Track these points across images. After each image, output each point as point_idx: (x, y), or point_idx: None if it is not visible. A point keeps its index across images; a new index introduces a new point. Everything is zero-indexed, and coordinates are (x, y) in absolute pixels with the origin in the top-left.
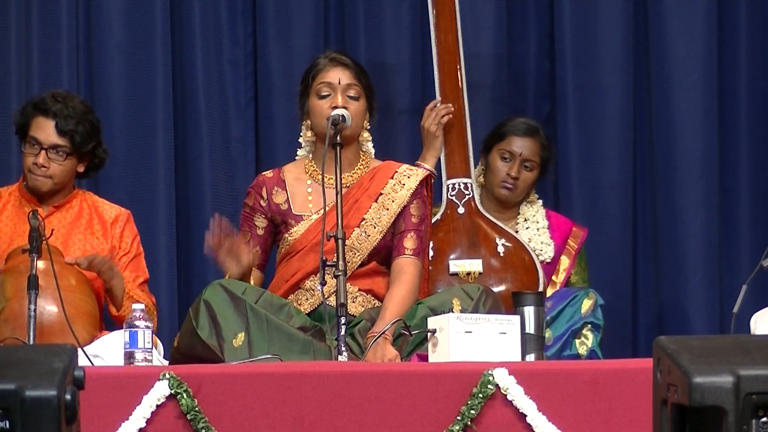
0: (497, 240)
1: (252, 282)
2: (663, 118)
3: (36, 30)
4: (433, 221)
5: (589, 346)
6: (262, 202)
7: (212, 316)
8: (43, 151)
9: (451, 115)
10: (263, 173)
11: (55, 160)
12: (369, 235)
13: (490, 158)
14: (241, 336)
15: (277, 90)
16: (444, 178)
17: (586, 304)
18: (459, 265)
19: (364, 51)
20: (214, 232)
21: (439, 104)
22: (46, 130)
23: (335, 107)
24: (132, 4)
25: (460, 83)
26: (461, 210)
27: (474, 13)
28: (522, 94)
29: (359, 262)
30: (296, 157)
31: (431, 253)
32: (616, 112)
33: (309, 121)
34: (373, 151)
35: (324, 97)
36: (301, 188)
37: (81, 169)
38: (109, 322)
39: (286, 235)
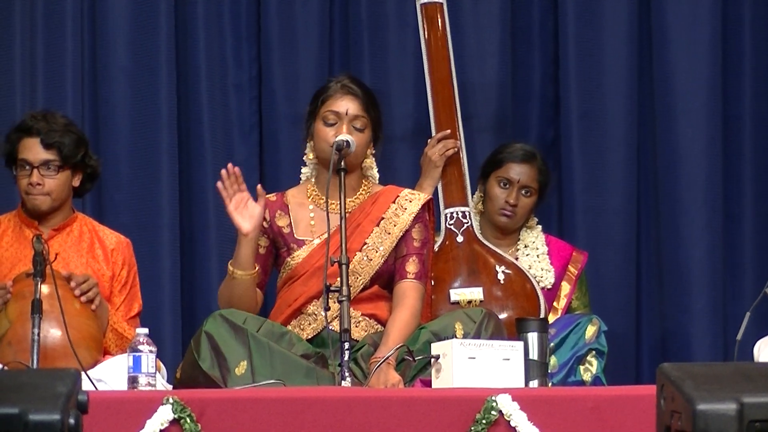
0: (497, 267)
1: (255, 272)
2: (667, 144)
3: (41, 54)
4: None
5: (594, 372)
6: (264, 224)
7: (214, 346)
8: (35, 170)
9: (456, 149)
10: (267, 196)
11: (48, 176)
12: (371, 260)
13: (488, 186)
14: (244, 364)
15: (282, 114)
16: (442, 207)
17: (590, 331)
18: (460, 293)
19: (368, 76)
20: (226, 182)
21: (448, 134)
22: (33, 148)
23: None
24: (137, 28)
25: (455, 113)
26: (460, 239)
27: (478, 40)
28: (526, 120)
29: (361, 286)
30: (301, 175)
31: (431, 282)
32: (620, 138)
33: (313, 143)
34: (377, 176)
35: (330, 125)
36: (304, 213)
37: (76, 183)
38: None
39: (288, 259)
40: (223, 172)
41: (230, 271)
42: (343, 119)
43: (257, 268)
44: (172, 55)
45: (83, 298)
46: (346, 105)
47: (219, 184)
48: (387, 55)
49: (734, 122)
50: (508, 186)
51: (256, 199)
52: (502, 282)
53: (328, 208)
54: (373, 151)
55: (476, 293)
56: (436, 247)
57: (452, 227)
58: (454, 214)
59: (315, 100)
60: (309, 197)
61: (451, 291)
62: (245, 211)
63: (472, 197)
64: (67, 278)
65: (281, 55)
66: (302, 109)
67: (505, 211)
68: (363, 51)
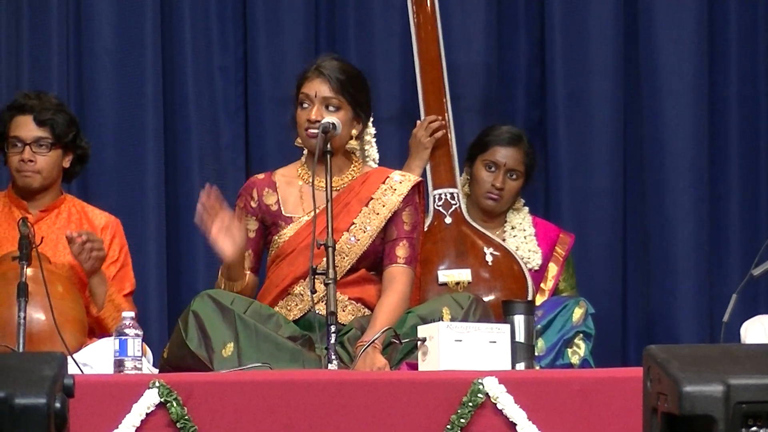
0: (485, 249)
1: (246, 281)
2: (653, 125)
3: (26, 36)
4: None
5: (582, 355)
6: (252, 204)
7: (201, 326)
8: (27, 147)
9: (444, 131)
10: (255, 176)
11: (40, 153)
12: (358, 240)
13: (475, 169)
14: (230, 346)
15: (267, 97)
16: (430, 188)
17: (577, 313)
18: (448, 275)
19: (354, 58)
20: (205, 204)
21: (438, 119)
22: (26, 126)
23: (309, 119)
24: (122, 9)
25: (443, 94)
26: (448, 220)
27: (464, 21)
28: (512, 101)
29: (348, 267)
30: (302, 158)
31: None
32: (606, 120)
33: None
34: (377, 157)
35: (303, 107)
36: (293, 190)
37: (66, 164)
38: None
39: (276, 237)
40: (203, 196)
41: (222, 282)
42: (313, 101)
43: (246, 276)
44: (157, 37)
45: (94, 253)
46: (316, 87)
47: (199, 209)
48: (373, 36)
49: (720, 103)
50: (494, 169)
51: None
52: (490, 264)
53: (314, 185)
54: (356, 132)
55: (464, 275)
56: (425, 228)
57: (441, 208)
58: (443, 196)
59: (296, 85)
60: (298, 175)
61: (440, 272)
62: (228, 234)
63: (459, 179)
64: (69, 239)
65: (267, 37)
66: (288, 91)
67: (491, 195)
68: (349, 33)
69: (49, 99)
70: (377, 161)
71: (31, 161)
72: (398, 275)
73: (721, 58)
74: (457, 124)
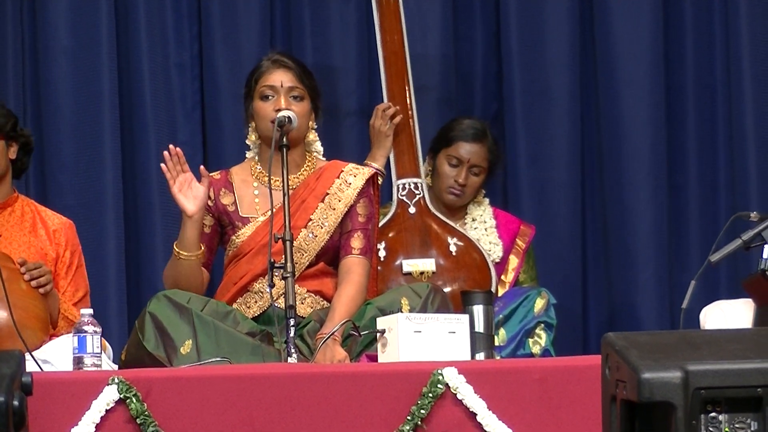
0: (449, 239)
1: (202, 252)
2: (610, 116)
3: None
4: (384, 221)
5: (543, 345)
6: (209, 203)
7: (159, 327)
8: None
9: (401, 116)
10: (211, 174)
11: None
12: (316, 236)
13: (438, 162)
14: (189, 343)
15: (224, 93)
16: (394, 178)
17: (539, 304)
18: (412, 264)
19: (311, 52)
20: (169, 163)
21: (390, 106)
22: None
23: (278, 109)
24: (77, 7)
25: (407, 84)
26: (412, 210)
27: (420, 13)
28: (469, 94)
29: (307, 262)
30: (246, 159)
31: (383, 253)
32: (563, 111)
33: (254, 124)
34: (321, 150)
35: (267, 99)
36: (248, 190)
37: (12, 155)
38: None
39: (234, 237)
40: (166, 153)
41: (175, 253)
42: (279, 91)
43: (203, 248)
44: (112, 34)
45: (34, 284)
46: (280, 77)
47: (162, 165)
48: (329, 30)
49: (677, 92)
50: (457, 164)
51: (199, 180)
52: (453, 254)
53: (271, 185)
54: (315, 126)
55: (428, 264)
56: (388, 217)
57: (404, 198)
58: (407, 185)
59: (249, 81)
60: (253, 174)
61: (404, 262)
62: (189, 192)
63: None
64: (20, 264)
65: (222, 32)
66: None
67: (453, 190)
68: (305, 27)
69: None
70: (321, 154)
71: None
72: (354, 266)
73: (677, 48)
74: (420, 114)
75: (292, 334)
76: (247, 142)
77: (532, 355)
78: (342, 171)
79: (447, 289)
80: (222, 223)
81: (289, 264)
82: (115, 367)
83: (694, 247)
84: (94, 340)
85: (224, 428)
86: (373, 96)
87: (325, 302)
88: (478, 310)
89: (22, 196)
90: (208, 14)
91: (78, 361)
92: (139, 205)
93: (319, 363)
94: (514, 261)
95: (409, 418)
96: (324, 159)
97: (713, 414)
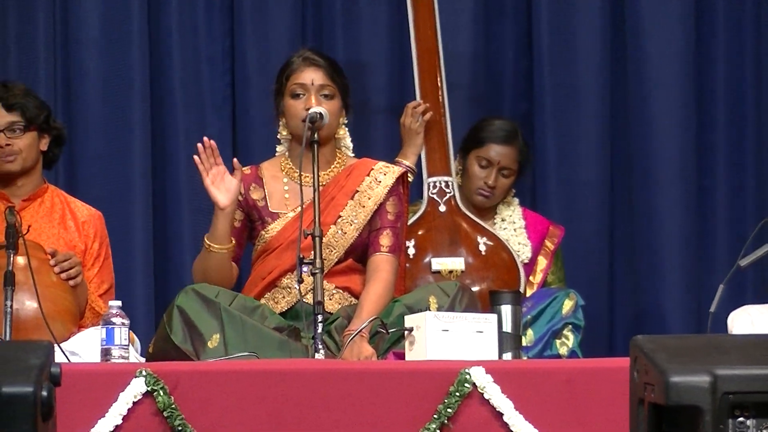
0: (478, 239)
1: (232, 246)
2: (640, 116)
3: (12, 28)
4: (414, 219)
5: (570, 346)
6: (239, 197)
7: (186, 321)
8: (1, 133)
9: (432, 113)
10: (241, 169)
11: (15, 137)
12: (345, 233)
13: (468, 162)
14: (216, 337)
15: (254, 87)
16: (425, 176)
17: (567, 305)
18: (441, 263)
19: (342, 49)
20: (202, 156)
21: (421, 104)
22: None
23: (309, 108)
24: (108, 0)
25: (439, 81)
26: (442, 208)
27: (451, 11)
28: (499, 92)
29: (335, 259)
30: (276, 154)
31: (412, 250)
32: (593, 111)
33: (284, 120)
34: (351, 146)
35: (298, 97)
36: (278, 186)
37: (44, 147)
38: None
39: (263, 233)
40: (199, 145)
41: (206, 245)
42: (310, 90)
43: (233, 242)
44: (144, 27)
45: (64, 276)
46: (311, 75)
47: (195, 157)
48: (360, 27)
49: (707, 94)
50: (487, 166)
51: (232, 173)
52: (483, 253)
53: (302, 181)
54: (345, 121)
55: (457, 263)
56: (418, 215)
57: (435, 196)
58: (437, 184)
59: (280, 77)
60: (283, 170)
61: (433, 260)
62: (222, 185)
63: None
64: (51, 254)
65: (254, 28)
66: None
67: (482, 192)
68: (336, 22)
69: (15, 86)
70: (351, 151)
71: (8, 145)
72: (382, 264)
73: (709, 50)
74: (450, 112)
75: (319, 330)
76: (278, 137)
77: (558, 356)
78: (372, 169)
79: (475, 289)
80: (251, 218)
81: (318, 260)
82: (142, 360)
83: (722, 251)
84: (122, 332)
85: (250, 423)
86: (404, 93)
87: (353, 299)
88: (506, 310)
89: (51, 186)
90: (240, 8)
91: (106, 353)
92: (167, 198)
93: (346, 359)
94: (542, 262)
95: (435, 416)
96: (353, 155)
97: (741, 419)
